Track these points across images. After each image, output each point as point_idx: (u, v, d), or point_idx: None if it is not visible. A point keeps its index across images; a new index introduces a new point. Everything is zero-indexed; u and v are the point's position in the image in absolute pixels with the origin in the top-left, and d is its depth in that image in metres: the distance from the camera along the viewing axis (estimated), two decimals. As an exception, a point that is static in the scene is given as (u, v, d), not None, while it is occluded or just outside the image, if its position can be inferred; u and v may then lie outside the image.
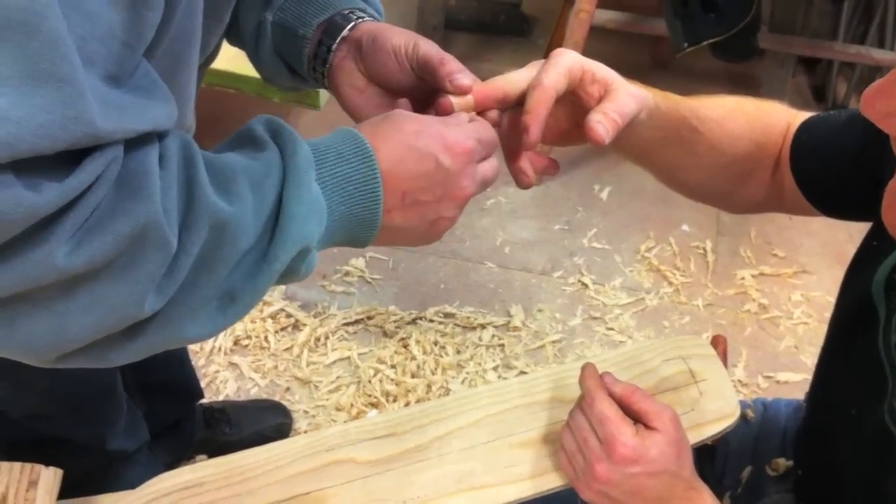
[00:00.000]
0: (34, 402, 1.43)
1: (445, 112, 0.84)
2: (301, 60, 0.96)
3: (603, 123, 0.84)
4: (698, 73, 3.10)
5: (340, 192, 0.75)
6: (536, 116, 0.84)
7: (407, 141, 0.77)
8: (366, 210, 0.76)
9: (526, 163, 0.90)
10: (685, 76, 3.07)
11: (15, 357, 0.64)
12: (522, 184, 0.90)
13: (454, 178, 0.78)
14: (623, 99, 0.87)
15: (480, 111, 0.87)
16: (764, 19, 2.62)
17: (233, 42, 1.05)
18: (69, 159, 0.57)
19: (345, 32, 0.93)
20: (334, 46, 0.93)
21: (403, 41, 0.89)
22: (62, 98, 0.54)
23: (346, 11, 0.94)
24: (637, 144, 0.96)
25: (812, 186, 1.04)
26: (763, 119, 1.07)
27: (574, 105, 0.90)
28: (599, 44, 2.52)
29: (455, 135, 0.79)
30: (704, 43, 2.40)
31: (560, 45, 2.52)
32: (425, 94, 0.90)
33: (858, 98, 2.80)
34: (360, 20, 0.93)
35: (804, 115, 1.07)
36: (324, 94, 2.10)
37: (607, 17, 2.66)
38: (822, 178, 1.04)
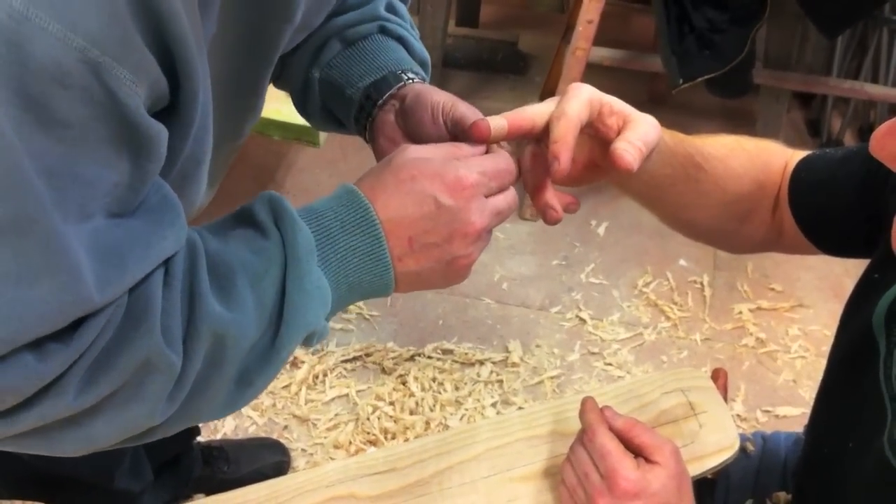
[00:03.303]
0: None
1: (481, 134, 0.83)
2: (349, 116, 0.97)
3: (630, 151, 0.83)
4: (695, 108, 3.12)
5: (346, 264, 0.76)
6: (565, 144, 0.82)
7: (404, 186, 0.77)
8: (375, 277, 0.77)
9: (553, 197, 0.88)
10: (682, 112, 3.09)
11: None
12: (551, 219, 0.88)
13: (459, 216, 0.77)
14: (644, 128, 0.87)
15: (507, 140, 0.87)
16: (759, 55, 2.64)
17: (281, 87, 1.07)
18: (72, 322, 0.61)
19: (392, 90, 0.93)
20: (380, 102, 0.94)
21: (443, 98, 0.89)
22: (58, 287, 0.57)
23: (399, 72, 0.95)
24: (646, 182, 0.96)
25: (811, 224, 1.05)
26: (762, 157, 1.07)
27: (591, 141, 0.90)
28: (596, 80, 2.52)
29: (454, 172, 0.77)
30: (700, 79, 2.42)
31: (557, 83, 2.55)
32: None
33: (854, 132, 2.84)
34: (411, 81, 0.94)
35: (800, 154, 1.08)
36: (323, 133, 2.11)
37: (603, 54, 2.68)
38: (820, 216, 1.04)
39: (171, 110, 0.65)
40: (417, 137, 0.91)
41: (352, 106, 0.96)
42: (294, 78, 1.01)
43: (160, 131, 0.62)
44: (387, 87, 0.94)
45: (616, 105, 0.88)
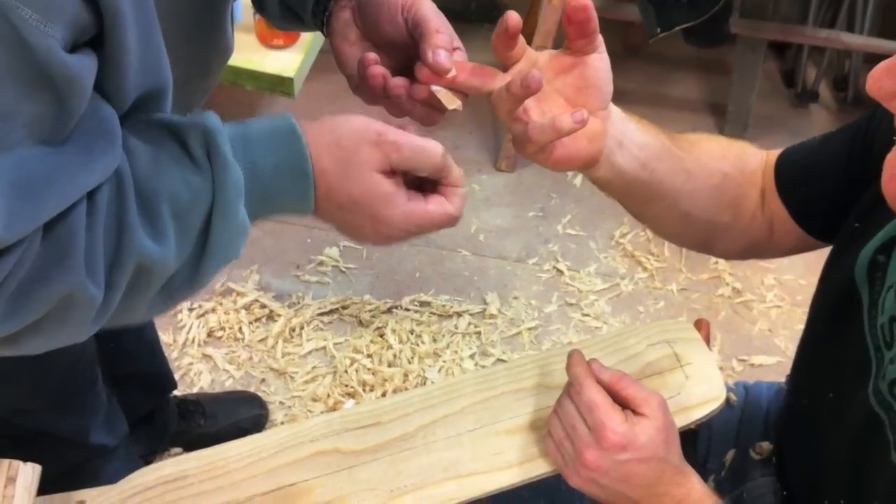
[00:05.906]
0: (18, 398, 1.41)
1: (440, 68, 0.84)
2: (306, 10, 0.94)
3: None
4: (669, 59, 3.10)
5: (273, 202, 0.78)
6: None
7: (347, 204, 0.79)
8: (299, 209, 0.80)
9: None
10: (656, 62, 3.07)
11: None
12: (510, 20, 0.83)
13: (377, 238, 0.82)
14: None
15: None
16: (735, 5, 2.63)
17: None
18: None
19: None
20: None
21: None
22: None
23: None
24: (635, 155, 0.93)
25: (804, 211, 1.03)
26: (734, 147, 1.07)
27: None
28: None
29: (387, 227, 0.80)
30: (677, 28, 2.40)
31: (532, 33, 2.52)
32: (412, 55, 0.87)
33: (828, 83, 2.82)
34: None
35: (775, 152, 1.07)
36: (297, 83, 2.08)
37: (579, 3, 2.64)
38: (811, 202, 1.02)
39: (99, 42, 0.65)
40: (374, 37, 0.90)
41: (307, 0, 0.93)
42: None
43: (82, 68, 0.62)
44: None
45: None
